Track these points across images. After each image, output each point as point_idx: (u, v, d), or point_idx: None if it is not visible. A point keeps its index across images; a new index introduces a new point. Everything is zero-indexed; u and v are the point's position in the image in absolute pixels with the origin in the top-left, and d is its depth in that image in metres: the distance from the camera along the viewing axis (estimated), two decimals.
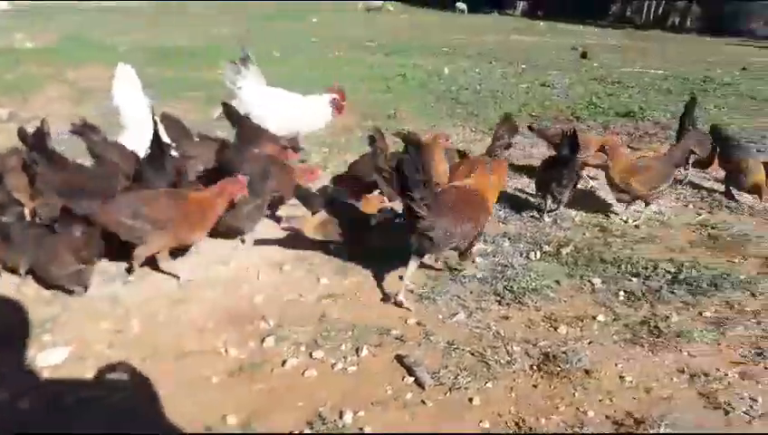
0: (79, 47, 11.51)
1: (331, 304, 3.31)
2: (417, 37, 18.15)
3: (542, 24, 29.44)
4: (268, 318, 3.13)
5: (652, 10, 42.16)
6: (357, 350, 2.90)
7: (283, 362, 2.78)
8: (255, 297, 3.34)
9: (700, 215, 4.92)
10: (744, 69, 14.56)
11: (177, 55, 11.12)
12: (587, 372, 2.82)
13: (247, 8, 23.61)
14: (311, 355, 2.85)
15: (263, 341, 2.93)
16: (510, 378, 2.76)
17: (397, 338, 3.02)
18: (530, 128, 6.15)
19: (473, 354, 2.91)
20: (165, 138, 4.05)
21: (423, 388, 2.65)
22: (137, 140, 4.12)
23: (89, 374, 2.64)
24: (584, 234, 4.45)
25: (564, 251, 4.09)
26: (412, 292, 3.47)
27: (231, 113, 4.81)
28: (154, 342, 2.89)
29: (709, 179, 5.80)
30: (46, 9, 18.60)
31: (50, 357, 2.72)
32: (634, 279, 3.77)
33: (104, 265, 3.48)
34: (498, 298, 3.45)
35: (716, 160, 5.45)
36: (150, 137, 3.73)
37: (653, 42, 22.95)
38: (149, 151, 3.75)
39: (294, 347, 2.90)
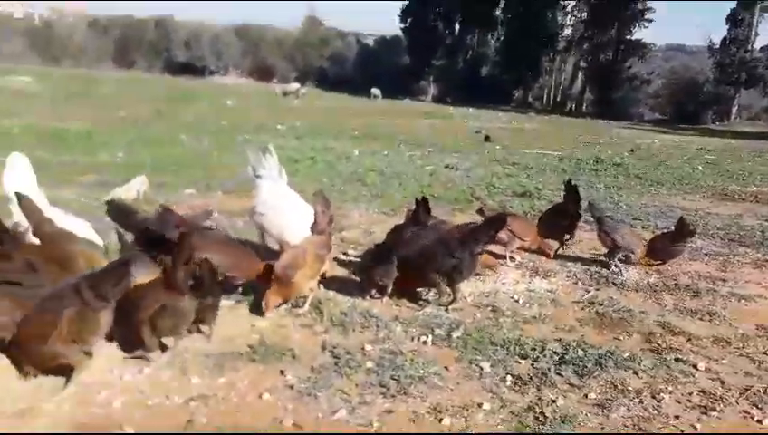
0: None
1: (200, 408, 3.02)
2: (330, 121, 18.59)
3: (451, 109, 31.14)
4: (126, 426, 2.81)
5: (551, 96, 45.83)
6: None
7: None
8: (114, 402, 3.01)
9: (589, 292, 5.05)
10: (632, 151, 15.83)
11: (72, 138, 10.72)
12: None
13: (163, 91, 23.49)
14: None
15: None
16: None
17: None
18: (479, 211, 5.94)
19: None
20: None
21: None
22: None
23: None
24: (476, 315, 4.43)
25: (455, 335, 4.03)
26: (292, 387, 3.26)
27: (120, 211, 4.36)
28: None
29: (599, 256, 6.03)
30: None
31: None
32: (522, 361, 3.73)
33: None
34: (384, 389, 3.29)
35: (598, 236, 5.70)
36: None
37: (551, 125, 24.71)
38: None
39: None
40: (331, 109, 24.13)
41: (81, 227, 4.14)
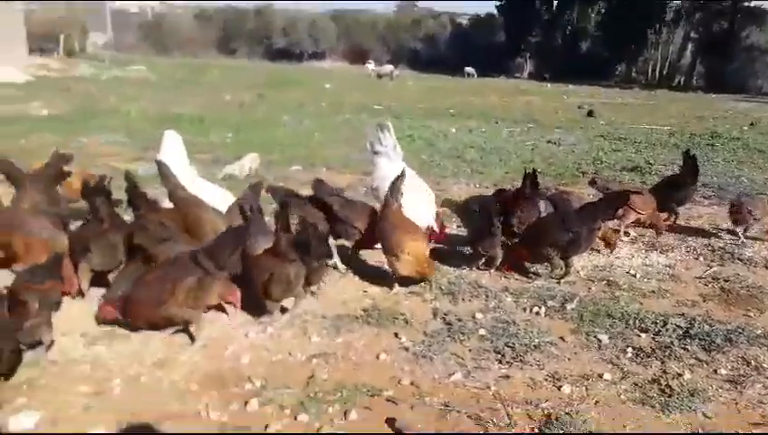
0: (91, 115, 11.83)
1: (321, 364, 3.15)
2: (426, 100, 18.51)
3: (548, 85, 30.05)
4: (253, 379, 2.97)
5: (657, 70, 43.00)
6: (345, 413, 2.72)
7: (266, 427, 2.62)
8: (242, 357, 3.19)
9: (711, 267, 4.74)
10: (752, 124, 14.57)
11: (186, 121, 11.35)
12: None
13: (263, 77, 24.33)
14: (295, 418, 2.68)
15: (246, 403, 2.77)
16: None
17: (389, 400, 2.85)
18: (591, 181, 5.70)
19: (470, 417, 2.72)
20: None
21: None
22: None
23: None
24: (590, 288, 4.29)
25: (569, 306, 3.92)
26: (407, 350, 3.32)
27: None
28: (133, 405, 2.74)
29: (719, 231, 5.64)
30: (64, 81, 19.31)
31: (20, 422, 2.58)
32: (643, 335, 3.58)
33: (87, 326, 3.37)
34: (499, 356, 3.27)
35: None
36: None
37: (659, 100, 23.22)
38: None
39: (279, 410, 2.73)
40: (426, 89, 24.00)
41: (223, 197, 4.49)
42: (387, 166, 4.91)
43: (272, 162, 8.22)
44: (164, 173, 4.27)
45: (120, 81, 20.83)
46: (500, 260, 4.41)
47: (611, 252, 4.88)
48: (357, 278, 4.32)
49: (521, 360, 3.23)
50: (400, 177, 4.31)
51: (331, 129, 11.72)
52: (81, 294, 3.63)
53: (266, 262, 3.46)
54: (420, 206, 4.65)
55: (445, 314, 3.75)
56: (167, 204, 4.29)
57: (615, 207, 4.40)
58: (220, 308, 3.56)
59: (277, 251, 3.47)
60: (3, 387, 2.80)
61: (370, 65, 32.13)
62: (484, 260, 4.47)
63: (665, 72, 42.78)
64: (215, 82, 21.92)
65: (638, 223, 5.40)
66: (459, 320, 3.67)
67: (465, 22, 46.03)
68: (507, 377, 3.08)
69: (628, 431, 2.68)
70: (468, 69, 32.76)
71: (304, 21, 34.85)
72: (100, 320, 3.37)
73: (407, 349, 3.32)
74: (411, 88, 24.63)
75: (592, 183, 5.58)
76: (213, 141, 9.66)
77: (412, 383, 2.99)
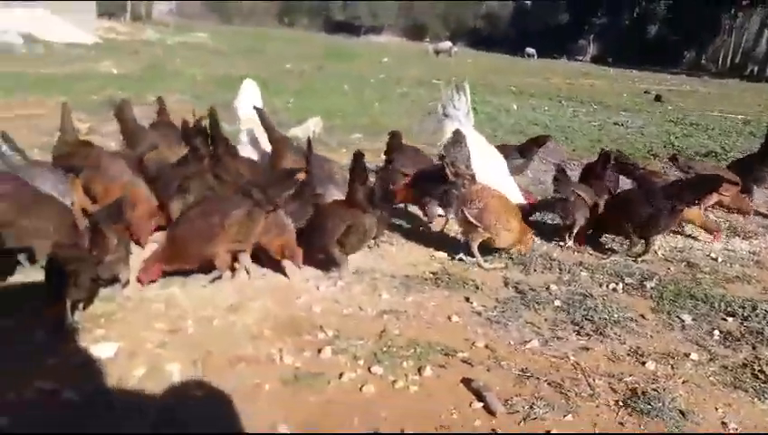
0: (158, 75, 12.04)
1: (392, 320, 3.08)
2: (485, 77, 18.11)
3: (611, 70, 29.01)
4: (326, 329, 2.93)
5: (729, 58, 40.88)
6: (419, 369, 2.65)
7: (341, 375, 2.57)
8: (313, 307, 3.16)
9: None
10: None
11: None
12: (682, 413, 2.47)
13: (322, 48, 24.32)
14: (369, 370, 2.63)
15: (319, 351, 2.73)
16: (592, 412, 2.45)
17: (463, 361, 2.76)
18: (673, 158, 5.45)
19: (549, 384, 2.61)
20: None
21: (493, 415, 2.37)
22: (257, 150, 4.60)
23: (136, 371, 2.51)
24: (669, 269, 4.07)
25: (649, 285, 3.73)
26: (480, 314, 3.22)
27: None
28: (207, 345, 2.74)
29: None
30: (131, 44, 19.75)
31: (100, 351, 2.61)
32: (730, 319, 3.37)
33: None
34: (577, 328, 3.13)
35: None
36: None
37: (731, 89, 22.10)
38: None
39: (353, 360, 2.69)
40: (485, 67, 23.50)
41: None
42: (456, 126, 4.76)
43: (334, 128, 8.18)
44: (261, 116, 4.49)
45: (183, 46, 21.15)
46: (577, 228, 4.23)
47: (715, 239, 4.61)
48: (422, 244, 4.22)
49: (601, 333, 3.08)
50: (458, 141, 4.04)
51: (391, 100, 11.60)
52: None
53: (343, 212, 3.39)
54: (502, 174, 4.51)
55: (516, 284, 3.63)
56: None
57: (704, 191, 4.14)
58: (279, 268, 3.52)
59: (353, 202, 3.40)
60: (82, 317, 2.85)
61: (428, 43, 31.73)
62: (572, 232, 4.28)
63: (737, 61, 40.65)
64: (274, 51, 22.01)
65: (720, 204, 5.11)
66: (532, 290, 3.55)
67: (528, 1, 44.84)
68: (587, 349, 2.94)
69: (720, 414, 2.52)
70: (529, 49, 31.91)
71: None
72: (146, 282, 3.25)
73: (479, 313, 3.23)
74: (470, 65, 24.17)
75: (673, 160, 5.29)
76: (275, 105, 9.67)
77: (486, 347, 2.89)
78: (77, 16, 18.71)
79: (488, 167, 4.49)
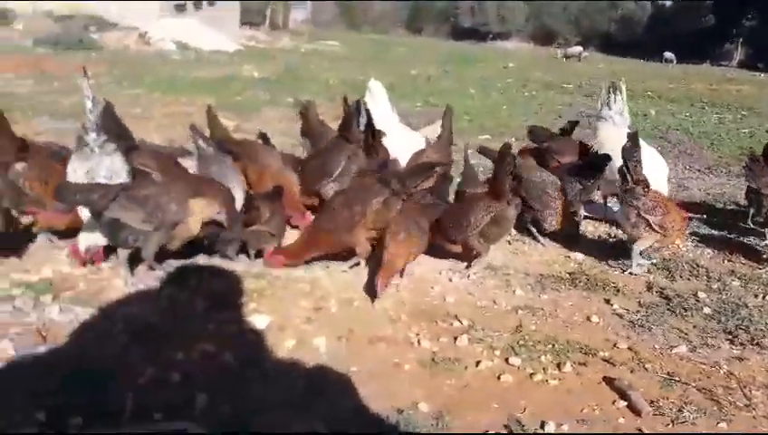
0: (295, 79, 12.74)
1: (528, 316, 3.06)
2: (617, 81, 17.22)
3: (762, 75, 26.44)
4: (460, 318, 2.97)
5: None
6: (558, 364, 2.61)
7: (477, 363, 2.60)
8: (447, 298, 3.21)
9: None
10: None
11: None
12: None
13: (447, 54, 24.46)
14: (507, 361, 2.63)
15: (456, 338, 2.78)
16: (749, 423, 2.28)
17: (605, 360, 2.68)
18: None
19: (700, 391, 2.46)
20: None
21: (639, 415, 2.28)
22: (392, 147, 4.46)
23: (286, 343, 2.70)
24: None
25: None
26: (621, 316, 3.10)
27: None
28: (349, 324, 2.88)
29: None
30: (269, 51, 21.04)
31: (254, 322, 2.84)
32: None
33: None
34: (730, 337, 2.93)
35: None
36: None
37: None
38: None
39: (489, 350, 2.71)
40: (619, 71, 22.33)
41: (419, 142, 4.71)
42: (609, 131, 4.58)
43: (462, 130, 8.20)
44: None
45: (316, 53, 22.18)
46: None
47: None
48: (556, 243, 4.12)
49: (758, 344, 2.86)
50: (634, 145, 3.72)
51: (519, 103, 11.41)
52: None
53: (487, 203, 3.40)
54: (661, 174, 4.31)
55: (661, 289, 3.45)
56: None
57: None
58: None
59: (498, 193, 3.40)
60: (237, 292, 3.11)
61: (557, 47, 30.81)
62: None
63: None
64: (401, 57, 22.45)
65: None
66: (678, 296, 3.35)
67: (668, 3, 42.05)
68: (741, 359, 2.74)
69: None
70: (668, 54, 29.87)
71: (493, 0, 34.35)
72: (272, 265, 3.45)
73: (620, 316, 3.11)
74: (602, 70, 23.12)
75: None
76: (404, 108, 9.88)
77: (629, 349, 2.79)
78: (222, 26, 20.28)
79: (652, 167, 4.25)
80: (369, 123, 4.08)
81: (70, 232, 3.42)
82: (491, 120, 9.23)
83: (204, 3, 20.88)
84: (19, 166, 3.38)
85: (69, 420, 2.13)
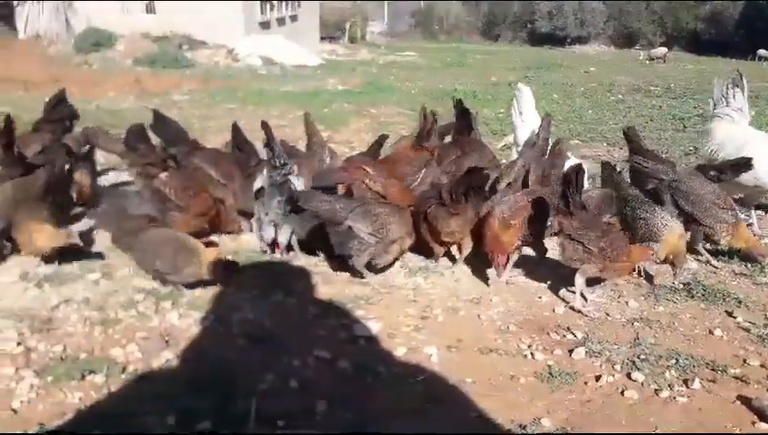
0: (378, 90, 12.89)
1: (645, 329, 2.92)
2: (708, 83, 16.34)
3: None
4: (574, 330, 2.88)
5: None
6: (686, 381, 2.47)
7: (598, 377, 2.50)
8: (556, 309, 3.12)
9: None
10: None
11: (460, 96, 11.69)
12: None
13: (526, 61, 24.04)
14: (628, 376, 2.52)
15: (571, 352, 2.69)
16: None
17: (736, 377, 2.51)
18: None
19: None
20: None
21: None
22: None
23: (398, 351, 2.70)
24: None
25: None
26: (748, 331, 2.90)
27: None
28: (457, 334, 2.85)
29: None
30: (349, 63, 21.43)
31: (364, 329, 2.86)
32: None
33: (407, 258, 3.62)
34: None
35: None
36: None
37: None
38: None
39: (608, 364, 2.60)
40: (708, 72, 21.20)
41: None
42: (729, 130, 4.32)
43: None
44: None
45: (395, 64, 22.39)
46: None
47: None
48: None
49: None
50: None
51: (605, 107, 11.04)
52: None
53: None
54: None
55: None
56: None
57: None
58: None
59: None
60: (344, 300, 3.15)
61: (640, 49, 29.61)
62: None
63: None
64: (479, 64, 22.26)
65: None
66: None
67: None
68: None
69: None
70: (762, 51, 28.03)
71: (571, 3, 33.37)
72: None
73: (747, 330, 2.92)
74: (690, 71, 21.99)
75: None
76: (486, 116, 9.79)
77: (762, 366, 2.60)
78: (304, 41, 20.86)
79: None
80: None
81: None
82: (578, 126, 8.97)
83: (287, 19, 21.57)
84: (163, 175, 3.70)
85: (198, 424, 2.21)
